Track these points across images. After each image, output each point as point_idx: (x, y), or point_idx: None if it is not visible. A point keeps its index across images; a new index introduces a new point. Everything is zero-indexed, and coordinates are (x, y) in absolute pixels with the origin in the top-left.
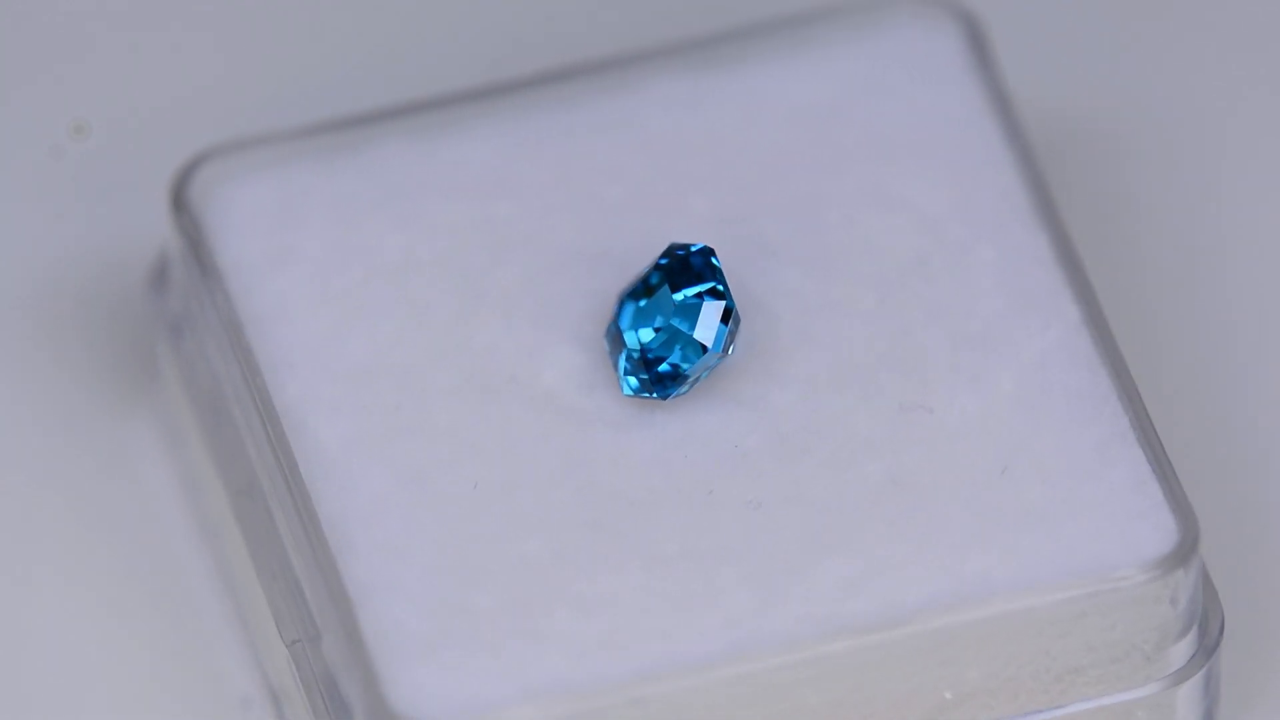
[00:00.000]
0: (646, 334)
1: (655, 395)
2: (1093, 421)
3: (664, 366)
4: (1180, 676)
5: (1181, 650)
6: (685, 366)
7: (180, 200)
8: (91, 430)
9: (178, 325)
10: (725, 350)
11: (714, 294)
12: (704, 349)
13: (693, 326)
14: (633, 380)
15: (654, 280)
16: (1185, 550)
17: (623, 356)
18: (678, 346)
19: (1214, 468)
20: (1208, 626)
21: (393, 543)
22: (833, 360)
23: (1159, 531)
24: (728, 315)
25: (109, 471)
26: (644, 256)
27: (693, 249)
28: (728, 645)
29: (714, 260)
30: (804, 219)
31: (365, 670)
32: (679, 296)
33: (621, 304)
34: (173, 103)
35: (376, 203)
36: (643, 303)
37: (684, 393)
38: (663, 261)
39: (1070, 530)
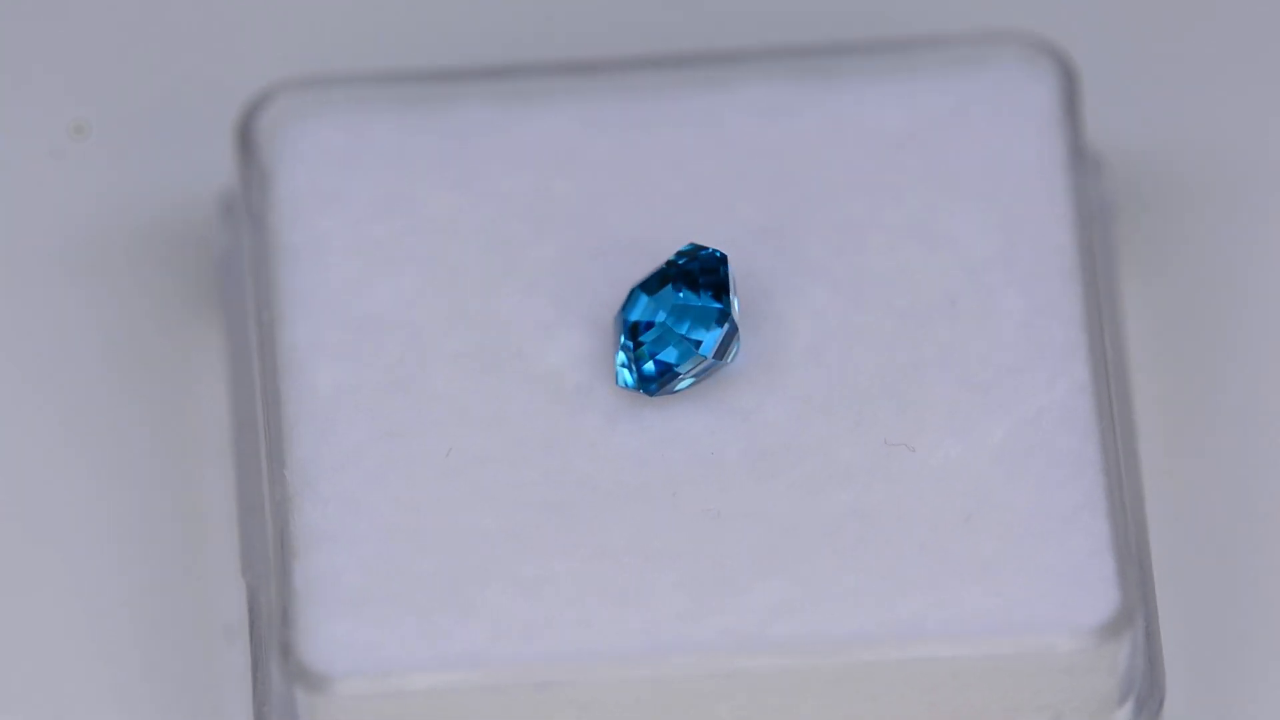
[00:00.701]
0: (643, 327)
1: (644, 391)
2: (1068, 486)
3: (649, 365)
4: None
5: None
6: (675, 366)
7: (246, 130)
8: (151, 361)
9: (230, 259)
10: (721, 357)
11: (716, 299)
12: (695, 351)
13: (688, 328)
14: (627, 373)
15: (664, 276)
16: (1119, 625)
17: (621, 348)
18: (670, 345)
19: (1201, 538)
20: (1146, 702)
21: (353, 494)
22: (833, 384)
23: (1099, 603)
24: (723, 320)
25: (164, 399)
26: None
27: (702, 253)
28: (644, 646)
29: (725, 268)
30: (848, 241)
31: (285, 615)
32: (680, 296)
33: (632, 295)
34: (249, 37)
35: (436, 161)
36: (652, 296)
37: (675, 392)
38: (679, 260)
39: (1013, 588)
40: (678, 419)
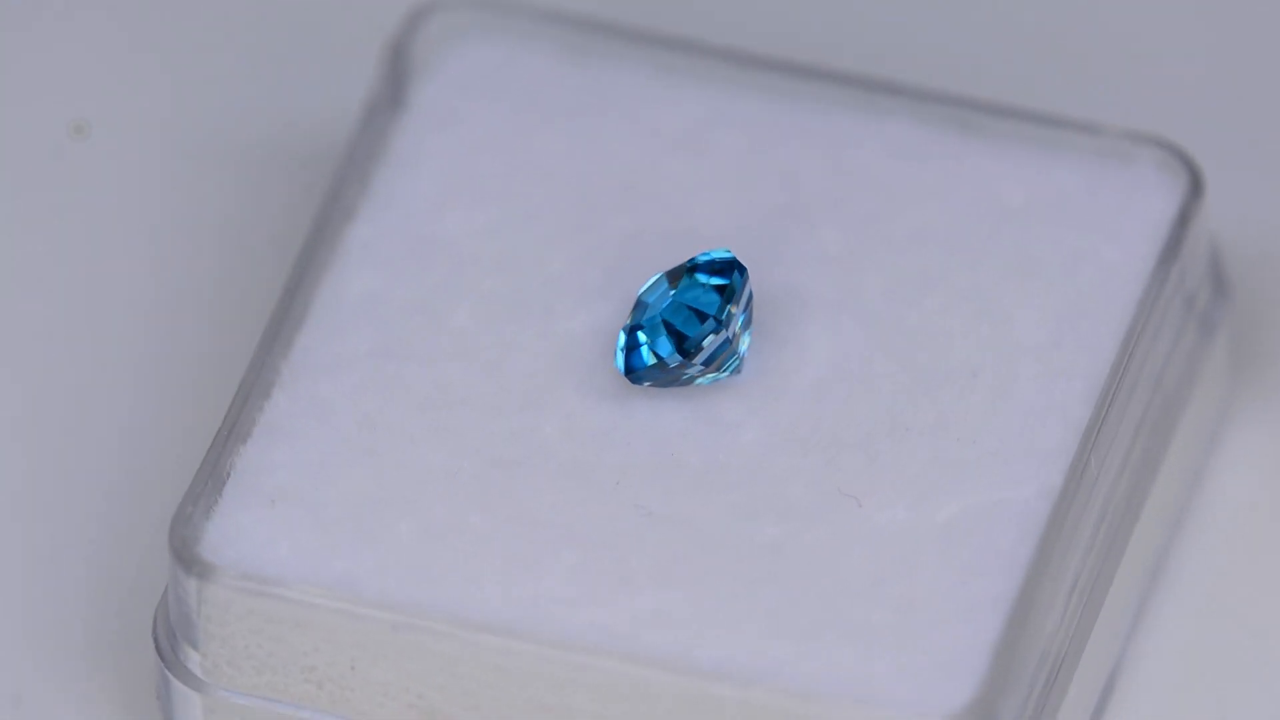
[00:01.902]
0: (643, 315)
1: (629, 379)
2: (985, 581)
3: (639, 355)
4: None
5: None
6: (663, 360)
7: (401, 40)
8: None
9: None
10: (708, 364)
11: (718, 308)
12: (681, 352)
13: (679, 324)
14: (620, 357)
15: (683, 271)
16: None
17: (625, 330)
18: (662, 339)
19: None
20: None
21: (326, 400)
22: (820, 422)
23: (951, 696)
24: (715, 327)
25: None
26: (742, 258)
27: (722, 257)
28: (512, 619)
29: (739, 279)
30: (906, 292)
31: (200, 494)
32: (685, 295)
33: (656, 280)
34: None
35: (562, 112)
36: (671, 287)
37: (673, 387)
38: (702, 259)
39: (882, 661)
40: (660, 414)
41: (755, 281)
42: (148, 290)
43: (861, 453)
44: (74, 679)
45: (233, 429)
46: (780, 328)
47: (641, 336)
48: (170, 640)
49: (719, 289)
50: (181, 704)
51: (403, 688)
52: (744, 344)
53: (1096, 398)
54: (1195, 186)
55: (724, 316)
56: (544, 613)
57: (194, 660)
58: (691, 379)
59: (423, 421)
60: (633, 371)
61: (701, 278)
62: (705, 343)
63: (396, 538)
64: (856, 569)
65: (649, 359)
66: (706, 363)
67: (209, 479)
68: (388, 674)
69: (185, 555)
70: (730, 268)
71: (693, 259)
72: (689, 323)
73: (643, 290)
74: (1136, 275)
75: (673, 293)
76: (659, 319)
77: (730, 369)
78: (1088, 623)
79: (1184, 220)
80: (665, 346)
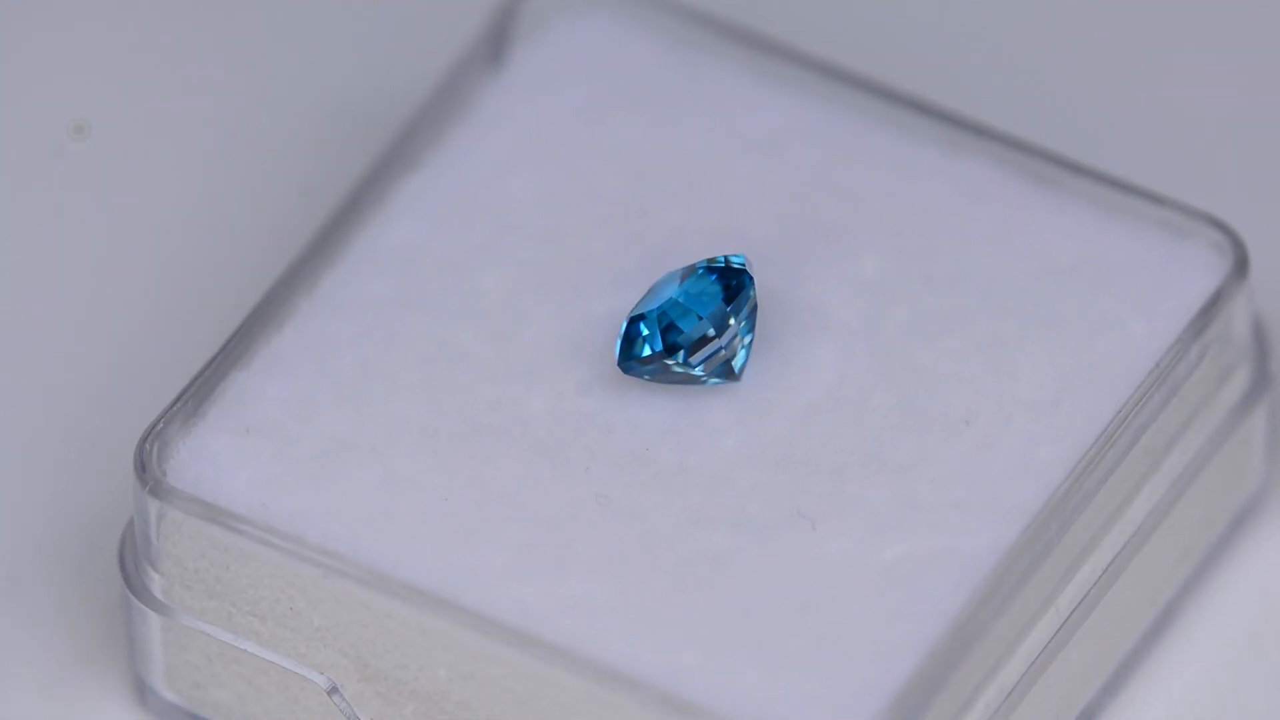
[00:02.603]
0: (647, 306)
1: (619, 367)
2: (909, 624)
3: (633, 346)
4: None
5: None
6: (643, 351)
7: (511, 2)
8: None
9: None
10: (698, 367)
11: (715, 306)
12: (667, 348)
13: (676, 318)
14: (618, 344)
15: (699, 272)
16: None
17: (626, 320)
18: (655, 332)
19: None
20: None
21: (333, 341)
22: (799, 445)
23: None
24: (704, 341)
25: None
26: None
27: (737, 261)
28: (431, 580)
29: (744, 284)
30: (925, 334)
31: (177, 413)
32: (688, 295)
33: (669, 275)
34: None
35: (651, 98)
36: (681, 284)
37: (653, 379)
38: (719, 262)
39: (783, 687)
40: (649, 409)
41: (783, 295)
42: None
43: (831, 480)
44: (43, 595)
45: (230, 356)
46: (794, 344)
47: (643, 328)
48: (134, 558)
49: (724, 291)
50: (140, 624)
51: (336, 635)
52: (742, 351)
53: (1071, 460)
54: (1238, 268)
55: (719, 319)
56: (470, 582)
57: (153, 580)
58: (685, 378)
59: (416, 375)
60: (625, 361)
61: (709, 278)
62: (695, 342)
63: (355, 485)
64: (789, 592)
65: (642, 350)
66: (699, 363)
67: (190, 400)
68: (323, 619)
69: (146, 471)
70: (738, 273)
71: (707, 259)
72: (683, 319)
73: (656, 282)
74: (1155, 350)
75: (678, 289)
76: (657, 313)
77: (719, 373)
78: (1035, 690)
79: (1217, 301)
80: (657, 341)
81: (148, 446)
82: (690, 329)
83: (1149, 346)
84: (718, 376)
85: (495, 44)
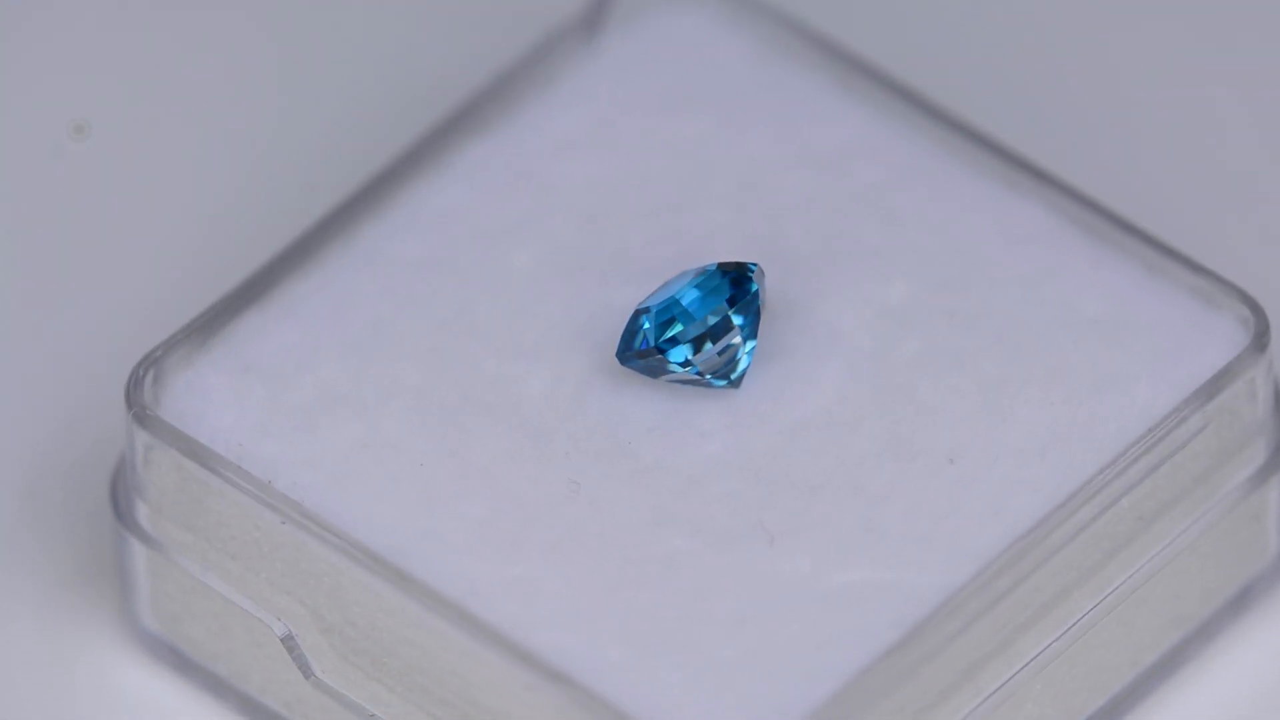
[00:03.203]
0: (654, 300)
1: (616, 357)
2: (837, 652)
3: (637, 339)
4: None
5: None
6: (639, 344)
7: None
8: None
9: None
10: (693, 368)
11: (711, 308)
12: (661, 349)
13: (680, 316)
14: (621, 333)
15: (710, 273)
16: None
17: (634, 313)
18: (655, 328)
19: None
20: None
21: (354, 295)
22: (780, 457)
23: None
24: (701, 342)
25: None
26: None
27: (752, 270)
28: (380, 542)
29: (754, 292)
30: (936, 367)
31: (180, 344)
32: (687, 292)
33: (683, 273)
34: None
35: (729, 97)
36: (693, 283)
37: (649, 375)
38: (730, 265)
39: (698, 697)
40: (643, 404)
41: (803, 309)
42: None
43: (803, 498)
44: (39, 522)
45: (247, 293)
46: (801, 359)
47: (644, 322)
48: (124, 486)
49: (729, 295)
50: (126, 553)
51: (295, 584)
52: (745, 357)
53: (1043, 511)
54: (1256, 344)
55: (718, 322)
56: (422, 550)
57: (139, 510)
58: (683, 378)
59: (425, 340)
60: (622, 353)
61: (717, 280)
62: (692, 342)
63: (335, 439)
64: (730, 603)
65: (639, 344)
66: (694, 365)
67: (197, 332)
68: (284, 567)
69: (135, 399)
70: (746, 279)
71: (719, 262)
72: (682, 318)
73: (671, 279)
74: (1154, 414)
75: (683, 287)
76: (658, 308)
77: (718, 377)
78: None
79: (1228, 373)
80: (653, 336)
81: (140, 373)
82: (687, 328)
83: (1149, 409)
84: (716, 380)
85: (589, 26)
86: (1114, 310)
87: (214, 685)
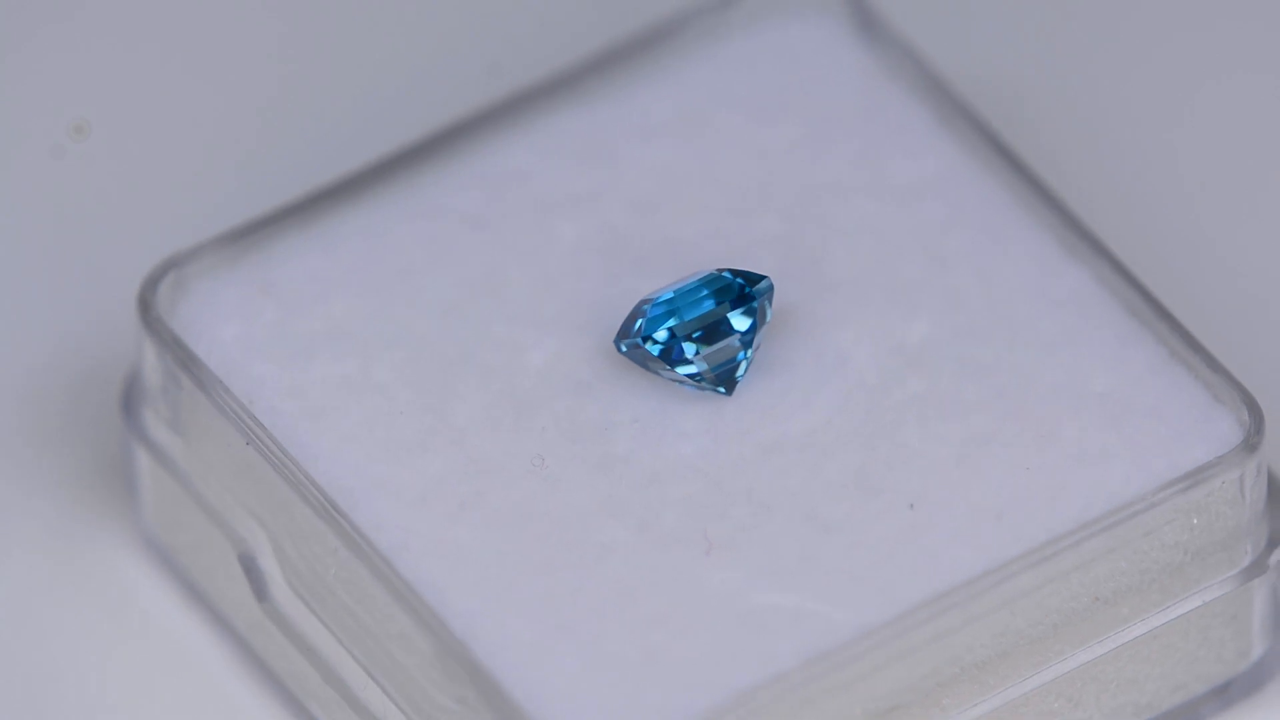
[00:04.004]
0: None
1: (615, 341)
2: (729, 671)
3: (632, 327)
4: None
5: None
6: (632, 335)
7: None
8: None
9: None
10: (679, 367)
11: (707, 311)
12: (644, 342)
13: (673, 315)
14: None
15: (720, 277)
16: None
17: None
18: (645, 323)
19: None
20: None
21: (387, 237)
22: (746, 472)
23: None
24: (689, 341)
25: None
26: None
27: (759, 280)
28: (330, 480)
29: (755, 305)
30: (932, 412)
31: (204, 253)
32: (692, 293)
33: (697, 272)
34: None
35: (828, 115)
36: (705, 283)
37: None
38: (741, 274)
39: (583, 689)
40: (635, 396)
41: (821, 333)
42: None
43: (756, 515)
44: (53, 425)
45: (287, 218)
46: (803, 379)
47: (645, 312)
48: (134, 388)
49: (731, 303)
50: (130, 455)
51: (258, 507)
52: (743, 365)
53: (979, 574)
54: (1246, 445)
55: (711, 327)
56: (370, 498)
57: (143, 414)
58: (674, 376)
59: (446, 294)
60: (617, 340)
61: (723, 286)
62: (681, 341)
63: (322, 373)
64: (648, 603)
65: (633, 334)
66: (681, 365)
67: (226, 244)
68: (249, 490)
69: (147, 298)
70: (750, 291)
71: (733, 269)
72: (672, 317)
73: (688, 277)
74: (1124, 495)
75: (689, 286)
76: (657, 303)
77: (711, 381)
78: None
79: (1211, 471)
80: (645, 329)
81: (158, 276)
82: (681, 324)
83: (1120, 491)
84: (710, 385)
85: (708, 20)
86: (1121, 389)
87: (194, 597)
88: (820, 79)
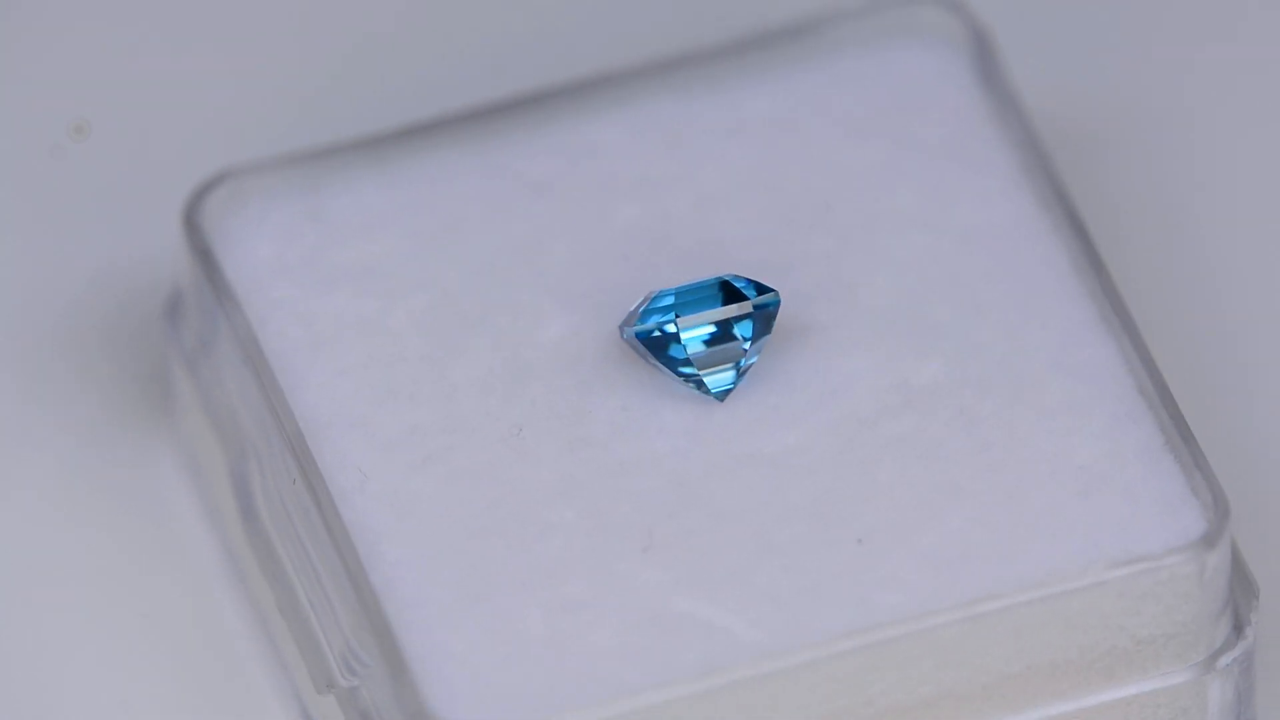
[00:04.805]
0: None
1: (620, 327)
2: (628, 669)
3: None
4: None
5: None
6: (635, 321)
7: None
8: None
9: None
10: (678, 361)
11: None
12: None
13: (672, 313)
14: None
15: (734, 284)
16: None
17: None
18: (646, 316)
19: None
20: None
21: (447, 190)
22: (711, 479)
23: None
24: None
25: None
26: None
27: (769, 294)
28: (311, 417)
29: (755, 320)
30: (908, 451)
31: (264, 171)
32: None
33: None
34: None
35: (918, 144)
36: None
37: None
38: (752, 286)
39: (466, 671)
40: (629, 386)
41: (834, 357)
42: None
43: (703, 522)
44: (102, 338)
45: (358, 150)
46: (796, 401)
47: (651, 302)
48: (175, 302)
49: (733, 312)
50: (169, 364)
51: (252, 426)
52: (731, 374)
53: (899, 618)
54: (1205, 540)
55: (704, 325)
56: (337, 434)
57: (184, 327)
58: (666, 371)
59: (485, 255)
60: (622, 326)
61: (734, 293)
62: (671, 341)
63: (338, 307)
64: (568, 588)
65: (635, 322)
66: (670, 365)
67: (284, 166)
68: (246, 408)
69: (190, 205)
70: (760, 304)
71: (749, 278)
72: (680, 310)
73: (709, 277)
74: (1061, 572)
75: (699, 287)
76: (664, 299)
77: (702, 384)
78: None
79: (1162, 562)
80: (647, 319)
81: (205, 185)
82: (672, 320)
83: (1070, 563)
84: (700, 386)
85: (824, 31)
86: (1103, 464)
87: (210, 511)
88: (919, 107)
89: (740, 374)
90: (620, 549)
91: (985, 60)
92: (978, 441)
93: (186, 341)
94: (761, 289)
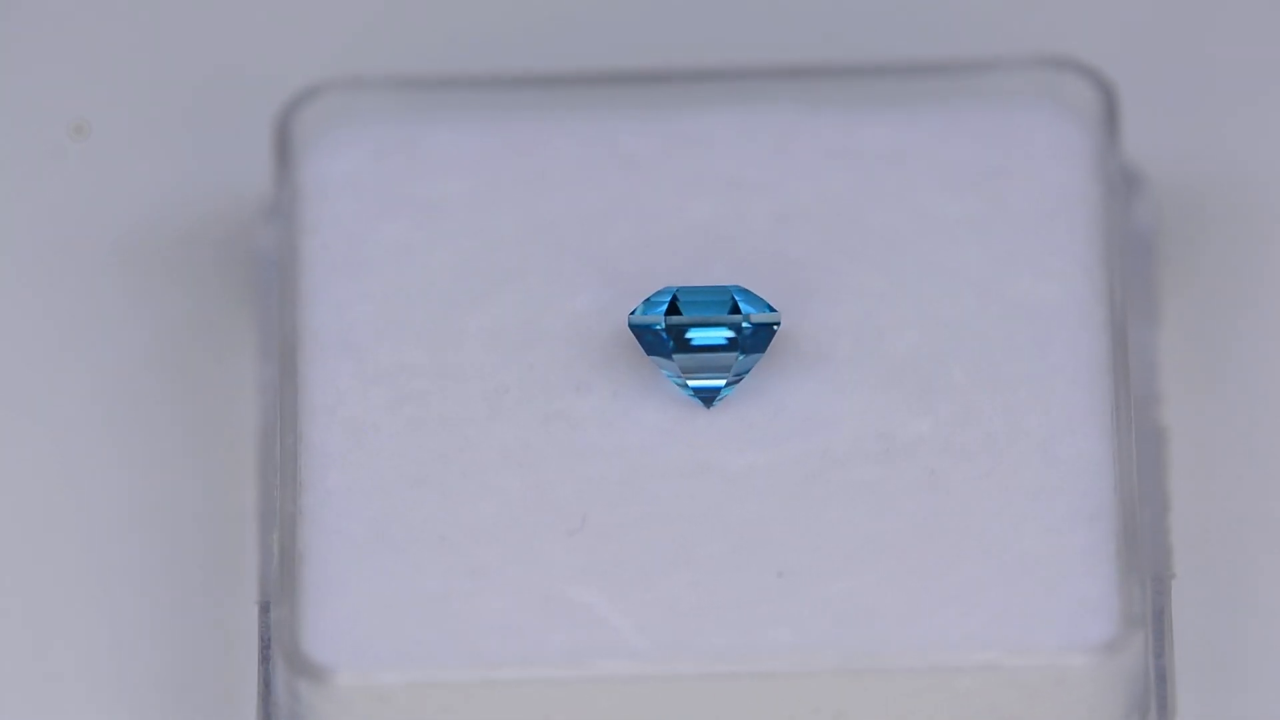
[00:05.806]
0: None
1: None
2: (535, 648)
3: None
4: None
5: None
6: (643, 313)
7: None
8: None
9: None
10: (664, 359)
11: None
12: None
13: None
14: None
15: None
16: None
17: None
18: (653, 310)
19: None
20: None
21: (508, 146)
22: (673, 489)
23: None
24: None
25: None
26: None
27: (769, 315)
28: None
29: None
30: (883, 492)
31: (371, 114)
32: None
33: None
34: None
35: (996, 206)
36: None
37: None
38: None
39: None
40: (625, 373)
41: (833, 394)
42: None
43: (639, 521)
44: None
45: (468, 86)
46: (781, 426)
47: (660, 297)
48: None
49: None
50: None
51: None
52: (721, 385)
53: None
54: (1109, 647)
55: (703, 326)
56: (331, 351)
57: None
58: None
59: (552, 216)
60: (630, 315)
61: (737, 306)
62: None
63: (389, 235)
64: (479, 555)
65: (641, 313)
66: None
67: (390, 89)
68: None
69: (283, 114)
70: (762, 322)
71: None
72: (685, 308)
73: (728, 285)
74: (964, 648)
75: (713, 291)
76: (673, 290)
77: (693, 390)
78: None
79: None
80: (651, 311)
81: (300, 96)
82: (670, 317)
83: (965, 640)
84: (686, 388)
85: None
86: (1041, 556)
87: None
88: (1023, 172)
89: (728, 385)
90: (547, 528)
91: (1107, 134)
92: (932, 506)
93: (269, 249)
94: (763, 307)
